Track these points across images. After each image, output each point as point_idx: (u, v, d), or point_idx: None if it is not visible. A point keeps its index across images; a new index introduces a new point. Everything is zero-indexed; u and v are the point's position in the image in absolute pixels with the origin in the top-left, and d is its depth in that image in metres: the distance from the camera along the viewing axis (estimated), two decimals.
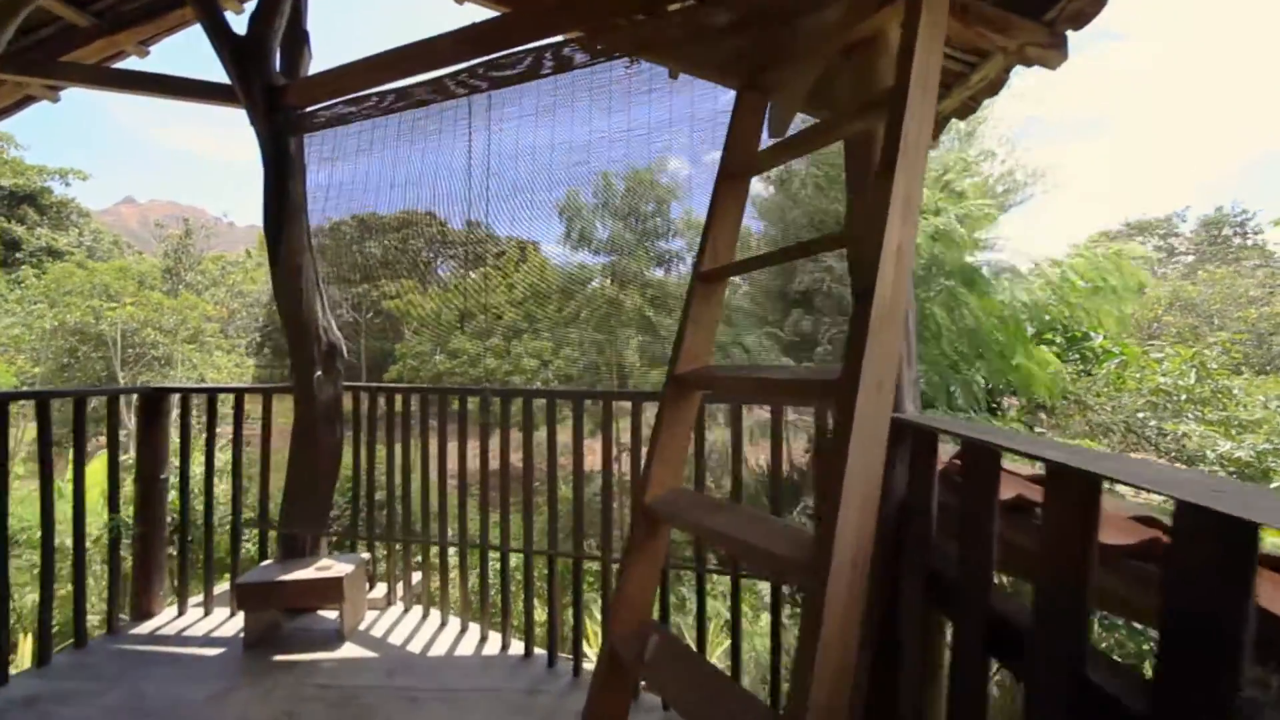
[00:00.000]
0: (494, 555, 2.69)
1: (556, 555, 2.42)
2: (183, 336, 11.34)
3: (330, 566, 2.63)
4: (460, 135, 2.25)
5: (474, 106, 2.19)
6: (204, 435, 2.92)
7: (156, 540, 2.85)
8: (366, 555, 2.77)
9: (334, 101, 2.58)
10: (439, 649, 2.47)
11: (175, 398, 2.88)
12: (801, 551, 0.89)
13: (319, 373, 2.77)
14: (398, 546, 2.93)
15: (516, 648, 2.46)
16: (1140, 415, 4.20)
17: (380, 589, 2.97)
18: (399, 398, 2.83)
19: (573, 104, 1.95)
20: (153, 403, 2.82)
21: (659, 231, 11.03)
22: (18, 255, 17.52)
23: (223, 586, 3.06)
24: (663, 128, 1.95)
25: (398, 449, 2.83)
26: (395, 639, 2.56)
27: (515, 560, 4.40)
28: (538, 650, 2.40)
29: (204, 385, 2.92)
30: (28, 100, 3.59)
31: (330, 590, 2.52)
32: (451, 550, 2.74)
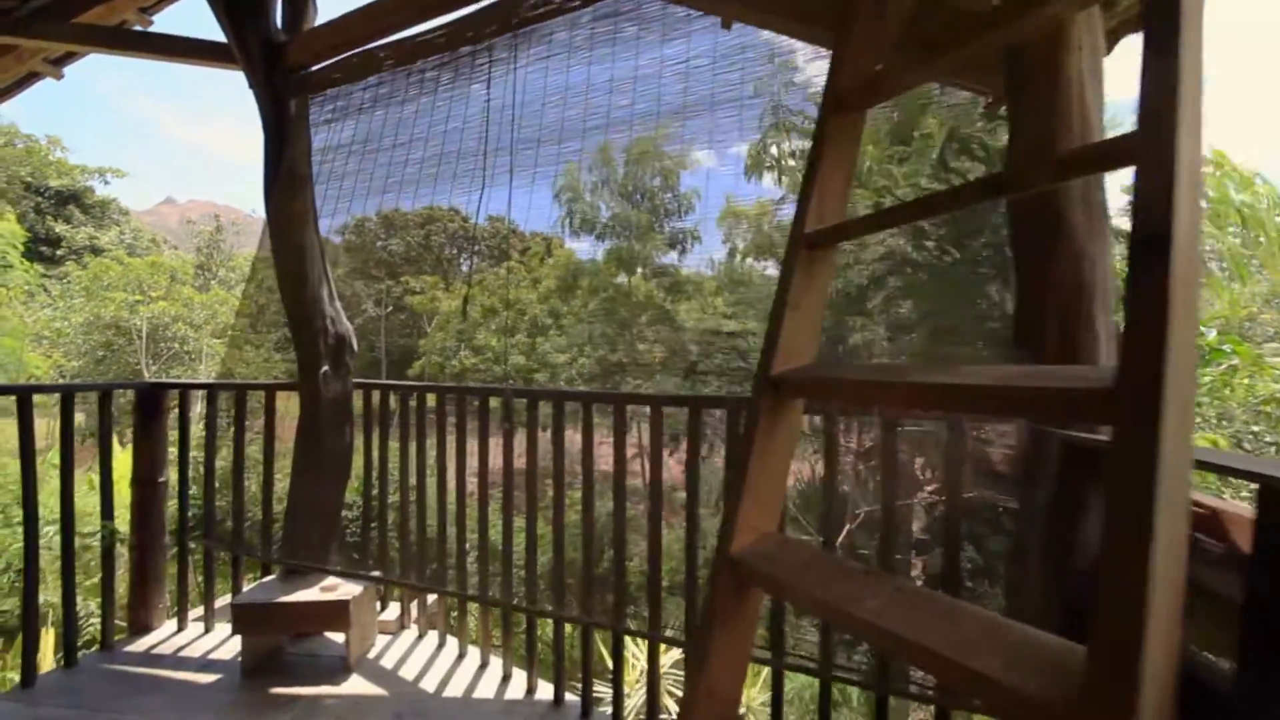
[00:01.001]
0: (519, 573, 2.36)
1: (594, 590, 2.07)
2: (212, 331, 11.39)
3: (337, 587, 2.33)
4: (479, 81, 1.91)
5: (496, 49, 1.84)
6: (208, 435, 2.65)
7: (154, 549, 2.60)
8: (378, 573, 2.48)
9: (340, 58, 2.27)
10: (455, 688, 2.15)
11: (172, 395, 2.62)
12: (1060, 686, 0.51)
13: (325, 368, 2.47)
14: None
15: (545, 690, 2.12)
16: (1254, 430, 3.63)
17: (393, 609, 2.68)
18: (413, 397, 2.51)
19: (615, 38, 1.59)
20: (149, 400, 2.57)
21: (668, 209, 10.39)
22: (59, 252, 18.02)
23: (226, 598, 2.80)
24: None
25: (413, 453, 2.52)
26: (407, 672, 2.25)
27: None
28: (569, 697, 2.06)
29: (203, 381, 2.64)
30: (32, 78, 3.39)
31: (336, 615, 2.23)
32: (471, 565, 2.42)
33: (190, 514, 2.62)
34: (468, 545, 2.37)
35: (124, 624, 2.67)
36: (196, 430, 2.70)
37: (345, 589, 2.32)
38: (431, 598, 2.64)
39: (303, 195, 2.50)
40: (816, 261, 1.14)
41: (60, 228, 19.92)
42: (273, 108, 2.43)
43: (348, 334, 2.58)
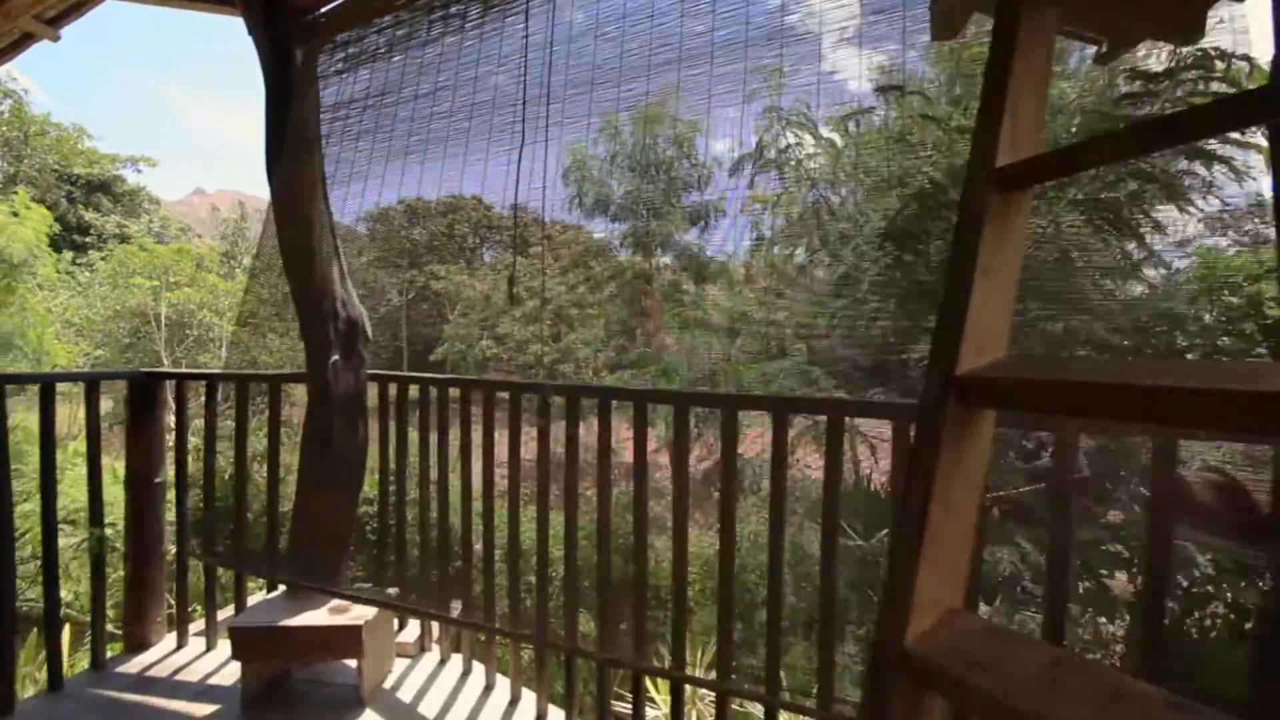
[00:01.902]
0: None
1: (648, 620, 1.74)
2: (234, 318, 11.33)
3: (348, 608, 2.04)
4: (516, 12, 1.56)
5: None
6: (206, 432, 2.38)
7: (150, 557, 2.35)
8: (395, 590, 2.19)
9: None
10: None
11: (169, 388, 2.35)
12: None
13: (335, 357, 2.17)
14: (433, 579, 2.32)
15: None
16: None
17: (413, 627, 2.39)
18: (436, 390, 2.20)
19: None
20: (144, 391, 2.30)
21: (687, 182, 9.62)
22: (86, 239, 18.25)
23: (230, 611, 2.55)
24: None
25: (434, 452, 2.21)
26: (428, 708, 1.96)
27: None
28: None
29: (201, 371, 2.35)
30: (28, 39, 3.14)
31: (347, 643, 1.94)
32: (500, 581, 2.12)
33: (192, 517, 2.36)
34: (496, 561, 2.07)
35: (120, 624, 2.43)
36: (198, 425, 2.42)
37: (358, 610, 2.03)
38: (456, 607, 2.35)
39: (310, 160, 2.18)
40: (1012, 208, 0.78)
41: (90, 216, 20.20)
42: (274, 58, 2.11)
43: (360, 319, 2.27)
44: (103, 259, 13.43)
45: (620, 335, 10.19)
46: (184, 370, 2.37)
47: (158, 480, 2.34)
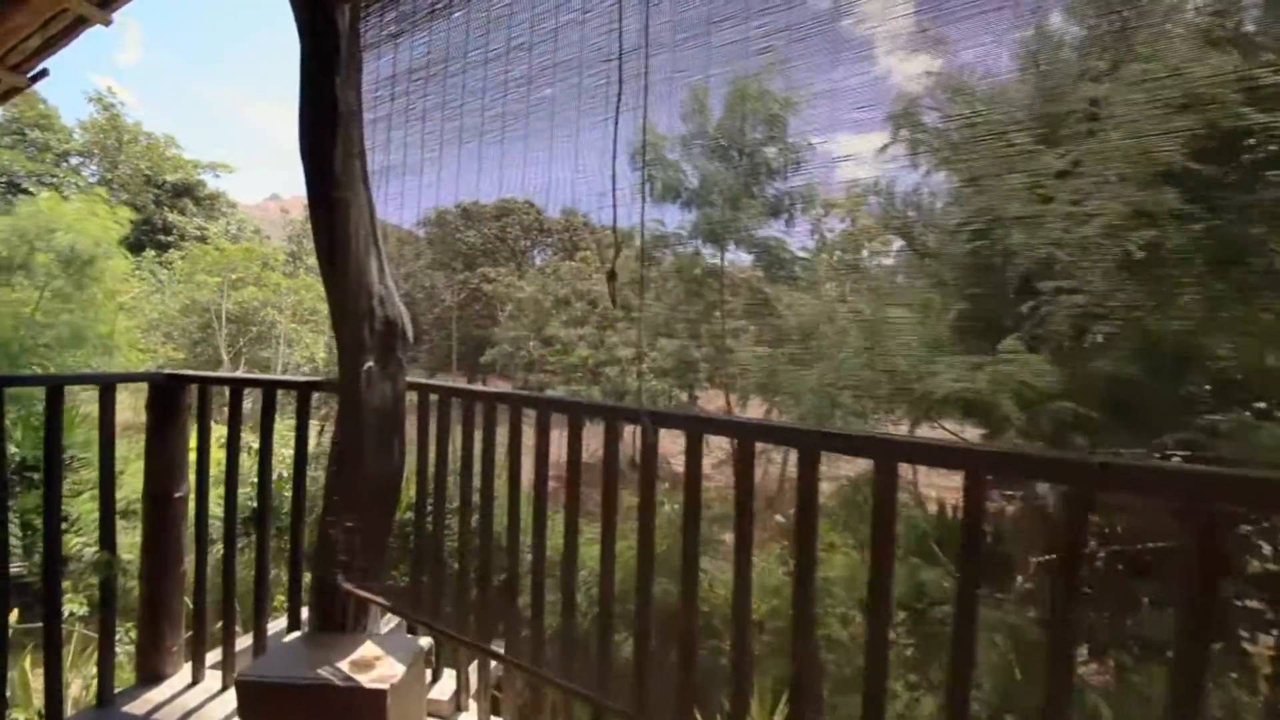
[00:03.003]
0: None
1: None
2: (294, 315, 11.65)
3: (375, 661, 1.71)
4: None
5: None
6: (229, 443, 2.12)
7: (168, 579, 2.11)
8: (428, 641, 1.85)
9: None
10: None
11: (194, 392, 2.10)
12: None
13: (370, 363, 1.86)
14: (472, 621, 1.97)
15: None
16: None
17: (447, 679, 2.05)
18: (486, 407, 1.85)
19: None
20: (165, 395, 2.06)
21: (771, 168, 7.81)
22: (169, 239, 19.37)
23: (249, 640, 2.28)
24: None
25: (477, 474, 1.87)
26: None
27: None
28: None
29: (224, 375, 2.09)
30: (81, 24, 3.05)
31: (370, 709, 1.60)
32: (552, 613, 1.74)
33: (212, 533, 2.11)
34: (571, 609, 1.69)
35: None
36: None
37: (386, 666, 1.69)
38: (496, 664, 1.99)
39: (347, 135, 1.89)
40: None
41: (173, 218, 21.50)
42: (312, 17, 1.83)
43: (400, 319, 1.96)
44: (181, 258, 14.16)
45: (689, 340, 9.39)
46: (206, 374, 2.13)
47: (178, 494, 2.09)
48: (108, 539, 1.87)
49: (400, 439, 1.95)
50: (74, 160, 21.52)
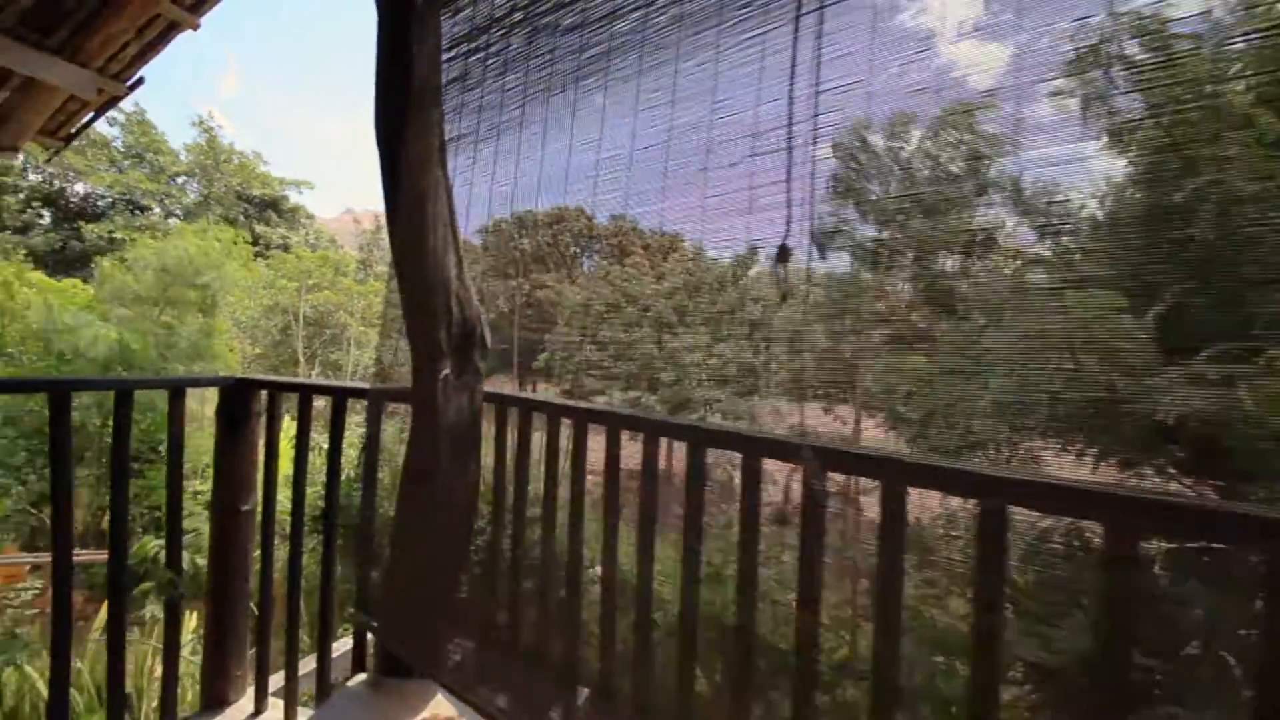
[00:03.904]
0: None
1: None
2: (364, 319, 12.08)
3: None
4: None
5: None
6: (297, 454, 1.96)
7: (235, 599, 1.97)
8: (504, 705, 1.59)
9: None
10: None
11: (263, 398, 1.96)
12: None
13: (446, 370, 1.64)
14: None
15: None
16: None
17: None
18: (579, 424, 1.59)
19: None
20: (235, 400, 1.93)
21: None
22: (255, 248, 20.81)
23: (312, 662, 2.11)
24: None
25: (563, 499, 1.61)
26: None
27: None
28: None
29: (297, 381, 1.95)
30: (172, 29, 3.08)
31: None
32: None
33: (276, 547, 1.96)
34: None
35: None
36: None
37: None
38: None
39: (424, 115, 1.68)
40: None
41: (260, 229, 23.10)
42: None
43: (478, 320, 1.74)
44: (266, 265, 15.08)
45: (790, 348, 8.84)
46: (276, 378, 1.98)
47: (245, 508, 1.95)
48: (173, 557, 1.74)
49: (476, 459, 1.72)
50: (180, 180, 23.56)
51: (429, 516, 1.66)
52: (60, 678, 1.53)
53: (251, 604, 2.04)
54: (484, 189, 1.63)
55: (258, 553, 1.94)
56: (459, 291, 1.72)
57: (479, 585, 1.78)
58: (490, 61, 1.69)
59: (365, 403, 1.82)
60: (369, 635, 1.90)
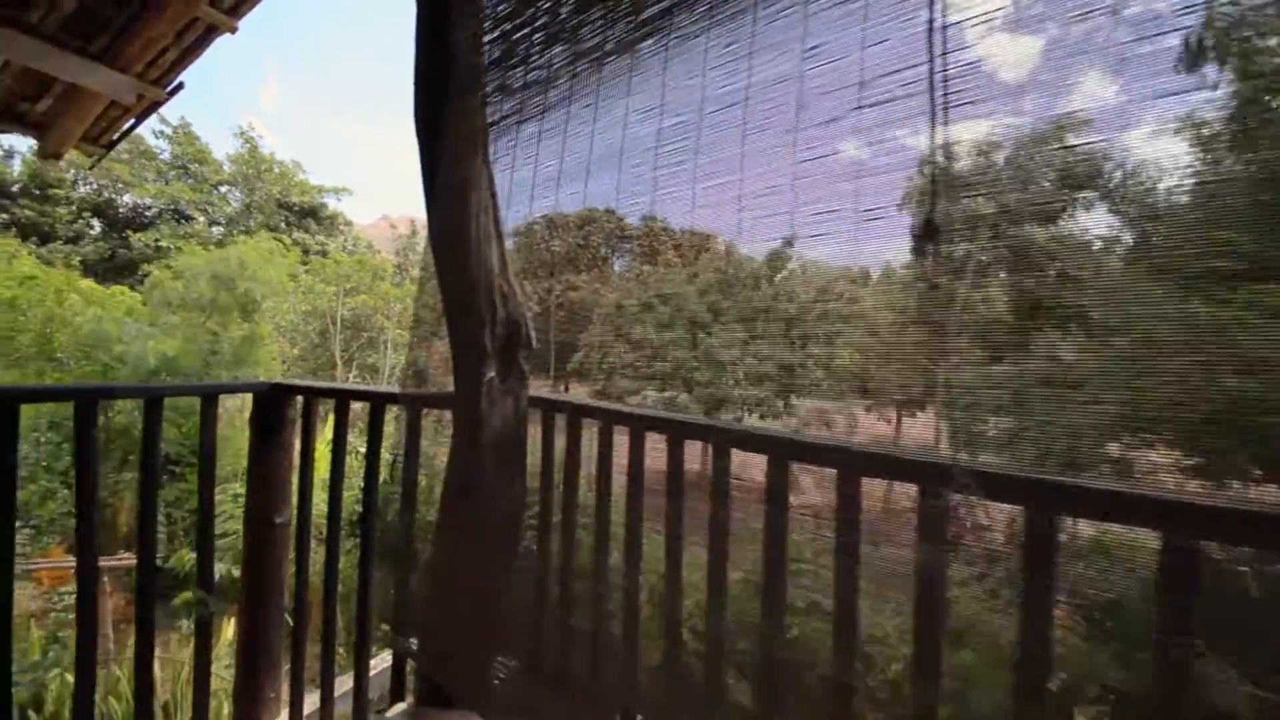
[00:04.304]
0: None
1: None
2: (403, 323, 12.22)
3: None
4: None
5: None
6: (334, 462, 1.85)
7: (268, 614, 1.87)
8: None
9: None
10: None
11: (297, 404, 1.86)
12: None
13: (490, 374, 1.50)
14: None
15: None
16: None
17: None
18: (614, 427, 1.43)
19: None
20: (270, 406, 1.83)
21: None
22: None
23: (349, 681, 2.00)
24: None
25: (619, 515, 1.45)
26: None
27: None
28: None
29: (333, 386, 1.84)
30: (211, 33, 3.05)
31: None
32: None
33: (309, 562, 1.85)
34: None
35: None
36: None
37: None
38: None
39: (465, 100, 1.55)
40: None
41: (299, 235, 23.77)
42: None
43: (523, 319, 1.59)
44: (306, 271, 15.44)
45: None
46: (312, 383, 1.87)
47: (280, 520, 1.85)
48: (205, 573, 1.64)
49: (521, 468, 1.58)
50: (223, 189, 24.45)
51: (472, 533, 1.52)
52: (85, 689, 1.45)
53: (286, 614, 1.95)
54: (526, 173, 1.48)
55: (293, 569, 1.84)
56: (502, 287, 1.58)
57: (526, 609, 1.63)
58: (536, 36, 1.55)
59: (403, 409, 1.70)
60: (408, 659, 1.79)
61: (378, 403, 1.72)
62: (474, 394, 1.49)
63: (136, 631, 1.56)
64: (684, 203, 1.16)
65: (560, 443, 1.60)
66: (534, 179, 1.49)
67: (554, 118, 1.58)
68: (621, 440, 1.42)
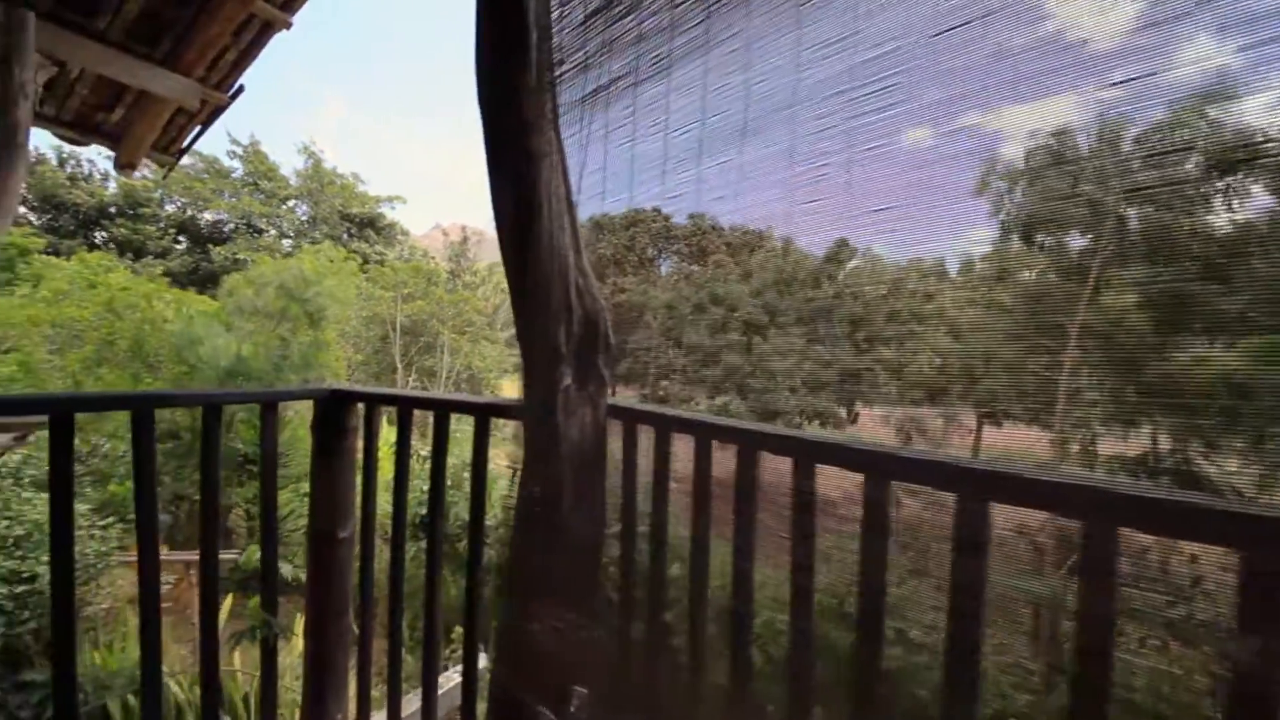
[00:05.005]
0: None
1: None
2: (454, 327, 12.47)
3: None
4: None
5: None
6: (397, 477, 1.72)
7: (334, 634, 1.76)
8: None
9: None
10: None
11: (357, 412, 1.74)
12: None
13: (568, 381, 1.31)
14: None
15: None
16: None
17: None
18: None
19: None
20: (331, 414, 1.72)
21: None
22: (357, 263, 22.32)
23: (416, 700, 1.87)
24: None
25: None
26: None
27: None
28: None
29: (396, 392, 1.69)
30: (267, 30, 3.04)
31: None
32: None
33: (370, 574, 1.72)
34: None
35: None
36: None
37: None
38: None
39: (534, 65, 1.37)
40: None
41: (358, 245, 24.84)
42: None
43: (601, 316, 1.39)
44: (367, 279, 16.06)
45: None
46: (374, 390, 1.74)
47: (343, 534, 1.74)
48: (269, 593, 1.54)
49: (601, 487, 1.38)
50: (290, 203, 25.87)
51: (549, 556, 1.34)
52: (152, 691, 1.37)
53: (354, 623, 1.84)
54: (654, 145, 1.26)
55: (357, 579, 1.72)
56: (578, 281, 1.39)
57: (611, 639, 1.44)
58: None
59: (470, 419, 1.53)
60: (480, 682, 1.63)
61: (442, 411, 1.57)
62: (548, 403, 1.31)
63: (201, 635, 1.47)
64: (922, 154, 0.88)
65: (645, 461, 1.39)
66: (665, 149, 1.25)
67: (686, 72, 1.33)
68: (721, 457, 1.20)
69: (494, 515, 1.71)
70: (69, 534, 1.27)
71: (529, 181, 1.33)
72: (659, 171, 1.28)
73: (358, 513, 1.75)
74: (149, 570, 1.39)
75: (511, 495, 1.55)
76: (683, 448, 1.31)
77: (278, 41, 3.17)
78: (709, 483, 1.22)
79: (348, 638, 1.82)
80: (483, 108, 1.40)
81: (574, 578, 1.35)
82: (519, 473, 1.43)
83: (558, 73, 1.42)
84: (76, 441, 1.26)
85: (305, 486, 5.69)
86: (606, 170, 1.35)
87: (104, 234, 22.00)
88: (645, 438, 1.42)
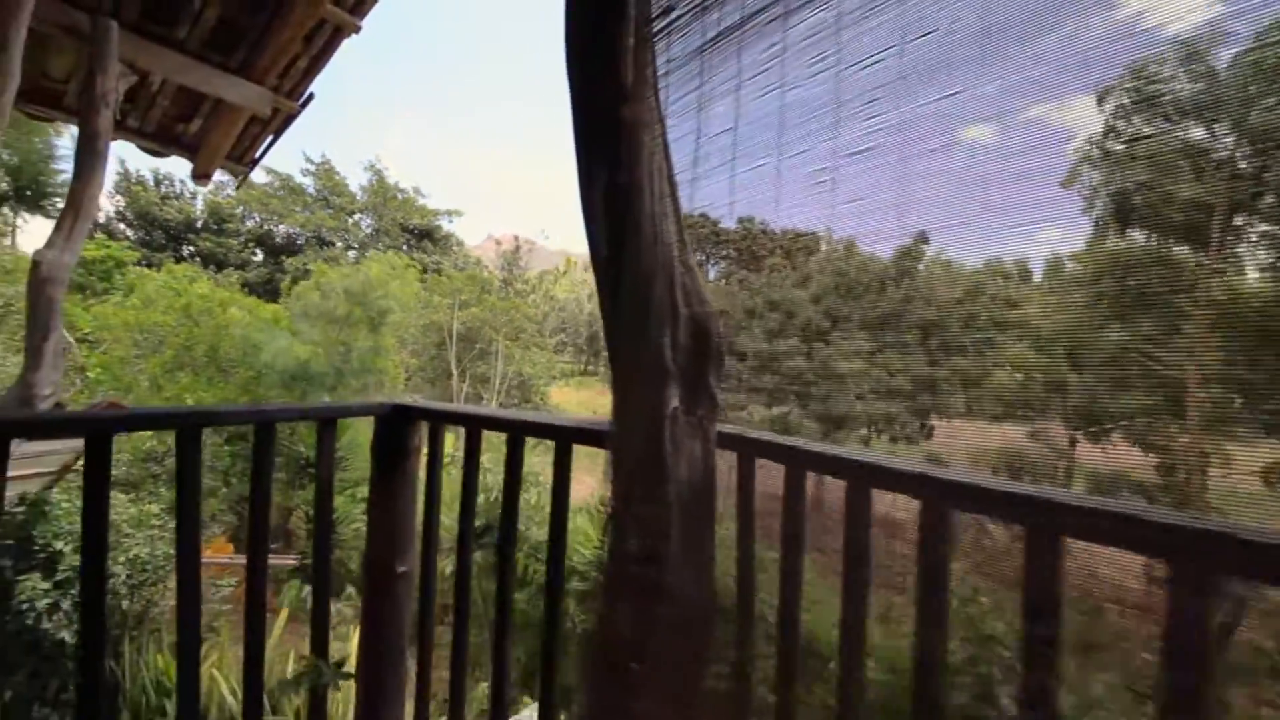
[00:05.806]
0: None
1: None
2: (506, 334, 12.57)
3: None
4: None
5: None
6: (463, 504, 1.51)
7: (391, 680, 1.56)
8: None
9: None
10: None
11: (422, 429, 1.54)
12: None
13: (675, 403, 1.05)
14: None
15: None
16: None
17: None
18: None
19: None
20: (392, 431, 1.53)
21: None
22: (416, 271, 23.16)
23: None
24: None
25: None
26: None
27: None
28: None
29: (463, 410, 1.48)
30: (337, 35, 2.98)
31: None
32: None
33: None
34: None
35: None
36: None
37: None
38: None
39: (627, 18, 1.14)
40: None
41: (417, 255, 25.78)
42: None
43: (712, 322, 1.13)
44: (424, 287, 16.53)
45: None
46: (439, 406, 1.54)
47: (403, 569, 1.54)
48: (319, 638, 1.35)
49: (711, 543, 1.11)
50: (356, 217, 27.18)
51: (652, 619, 1.08)
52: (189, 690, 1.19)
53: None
54: (822, 88, 0.98)
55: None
56: (684, 280, 1.13)
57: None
58: None
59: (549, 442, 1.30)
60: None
61: (517, 434, 1.34)
62: (652, 429, 1.05)
63: (245, 658, 1.30)
64: None
65: (765, 503, 1.11)
66: (837, 93, 0.97)
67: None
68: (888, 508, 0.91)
69: (573, 556, 1.47)
70: (102, 559, 1.12)
71: (628, 158, 1.09)
72: (834, 119, 1.00)
73: (418, 544, 1.55)
74: (188, 588, 1.23)
75: (593, 537, 1.30)
76: (822, 491, 1.03)
77: (343, 53, 3.12)
78: (868, 550, 0.93)
79: (403, 687, 1.62)
80: (571, 74, 1.17)
81: (684, 644, 1.08)
82: (608, 514, 1.18)
83: (663, 24, 1.18)
84: (154, 441, 1.12)
85: (364, 491, 5.72)
86: (737, 132, 1.09)
87: (191, 248, 23.73)
88: (764, 474, 1.15)
